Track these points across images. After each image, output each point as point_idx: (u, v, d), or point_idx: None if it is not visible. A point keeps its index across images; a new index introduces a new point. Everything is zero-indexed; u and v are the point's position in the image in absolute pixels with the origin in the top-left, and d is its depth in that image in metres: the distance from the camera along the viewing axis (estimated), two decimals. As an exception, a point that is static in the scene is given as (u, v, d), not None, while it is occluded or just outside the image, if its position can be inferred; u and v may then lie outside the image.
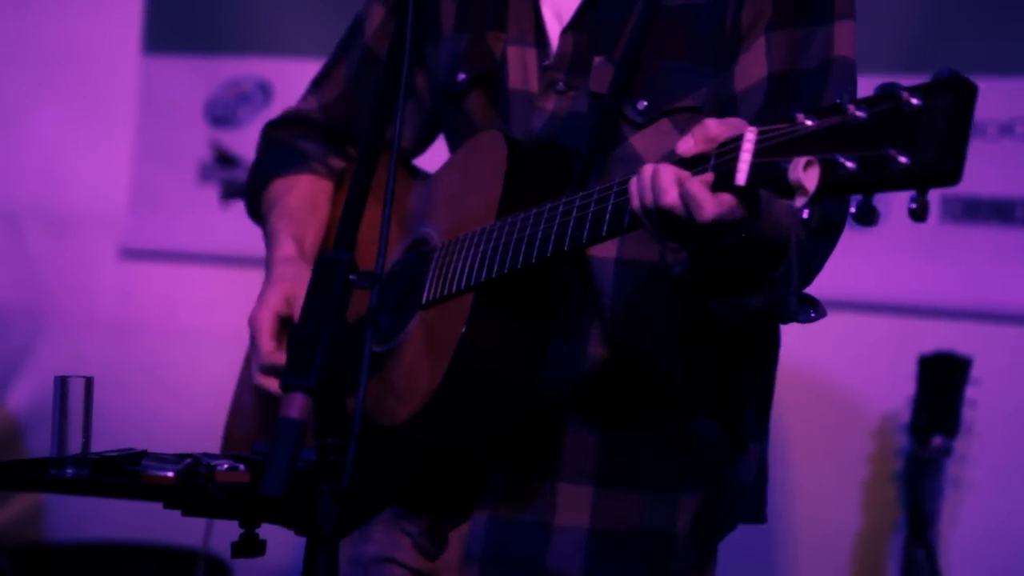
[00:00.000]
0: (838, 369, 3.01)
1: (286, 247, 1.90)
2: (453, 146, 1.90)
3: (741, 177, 1.35)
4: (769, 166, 1.33)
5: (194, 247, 3.51)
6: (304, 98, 2.08)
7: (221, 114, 3.53)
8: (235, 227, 3.19)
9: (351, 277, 1.39)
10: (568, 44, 1.76)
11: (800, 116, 1.31)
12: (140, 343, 3.56)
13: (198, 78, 3.54)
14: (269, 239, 1.95)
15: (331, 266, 1.40)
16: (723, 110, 1.69)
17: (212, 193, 3.52)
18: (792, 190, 1.30)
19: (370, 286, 1.39)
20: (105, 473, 1.53)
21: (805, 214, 1.29)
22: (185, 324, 3.51)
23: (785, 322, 1.67)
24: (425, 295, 1.72)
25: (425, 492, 1.81)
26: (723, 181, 1.37)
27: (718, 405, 1.76)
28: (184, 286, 3.52)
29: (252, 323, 1.81)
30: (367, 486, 1.41)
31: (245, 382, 1.99)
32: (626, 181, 1.49)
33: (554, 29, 1.80)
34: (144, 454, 1.55)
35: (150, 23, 3.59)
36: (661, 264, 1.64)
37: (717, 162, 1.39)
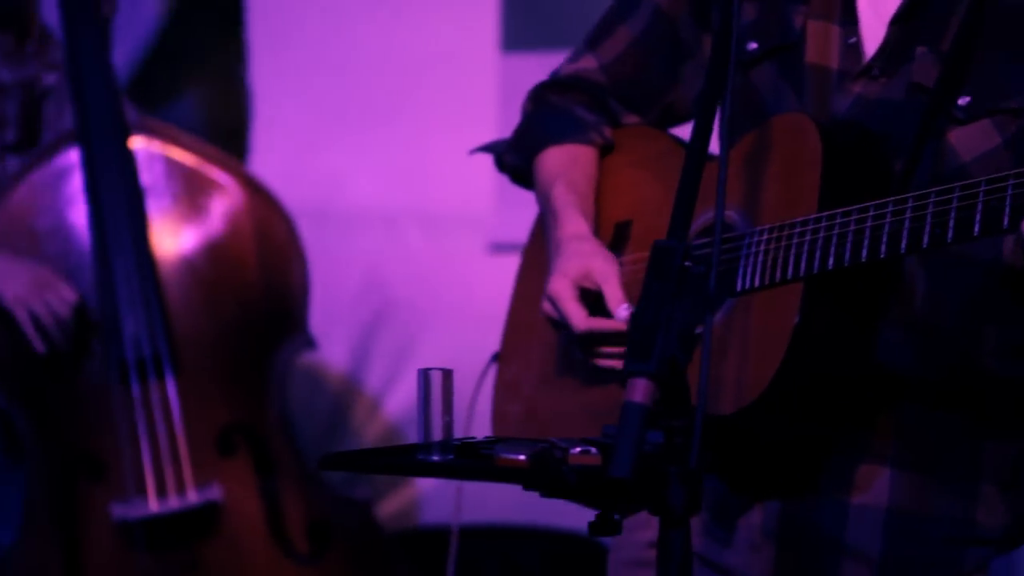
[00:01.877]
0: None
1: (577, 224, 1.89)
2: (733, 118, 1.80)
3: None
4: None
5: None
6: (577, 56, 2.04)
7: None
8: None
9: (686, 264, 1.42)
10: (892, 34, 1.72)
11: None
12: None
13: (556, 74, 3.62)
14: (554, 211, 1.93)
15: (667, 253, 1.43)
16: None
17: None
18: None
19: (705, 272, 1.42)
20: (467, 457, 1.61)
21: None
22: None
23: None
24: (740, 282, 1.71)
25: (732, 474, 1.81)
26: None
27: None
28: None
29: (553, 294, 1.82)
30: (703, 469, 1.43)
31: (513, 357, 2.01)
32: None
33: (865, 10, 1.76)
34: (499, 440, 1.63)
35: (507, 22, 3.69)
36: (1003, 259, 1.60)
37: None
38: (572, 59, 2.04)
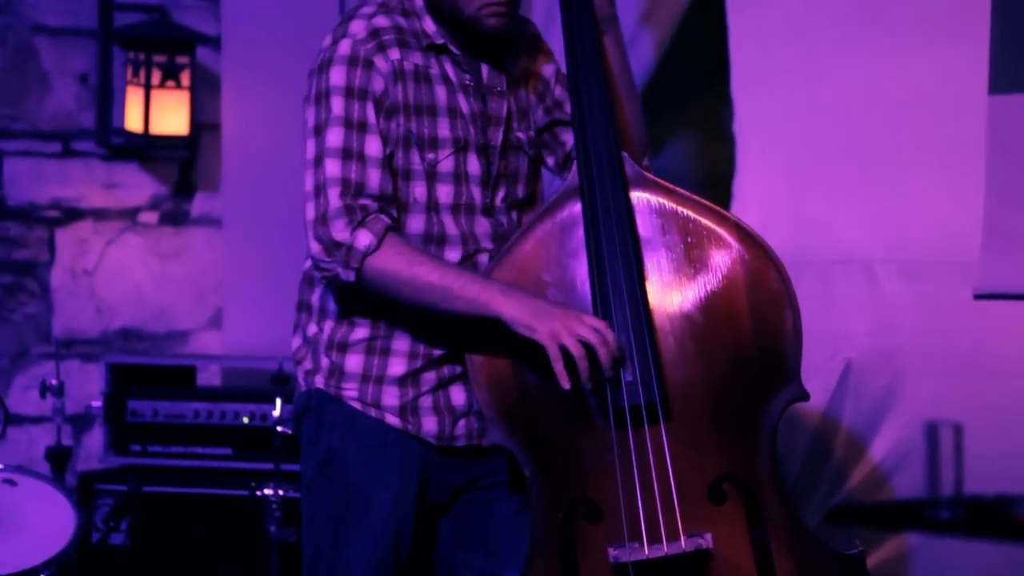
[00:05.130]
0: None
1: None
2: None
3: None
4: None
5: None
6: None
7: None
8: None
9: None
10: None
11: None
12: (997, 385, 3.55)
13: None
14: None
15: None
16: None
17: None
18: None
19: None
20: (979, 515, 1.57)
21: None
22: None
23: None
24: None
25: None
26: None
27: None
28: None
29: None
30: None
31: None
32: None
33: None
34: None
35: (996, 64, 3.58)
36: None
37: None
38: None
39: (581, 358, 2.52)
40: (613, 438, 2.60)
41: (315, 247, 2.66)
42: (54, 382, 3.91)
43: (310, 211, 2.67)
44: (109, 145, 4.69)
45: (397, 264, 2.62)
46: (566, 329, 2.53)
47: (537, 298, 2.60)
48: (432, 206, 2.73)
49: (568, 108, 2.82)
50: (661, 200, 2.67)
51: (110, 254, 4.74)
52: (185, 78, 4.57)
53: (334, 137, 2.66)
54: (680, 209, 2.66)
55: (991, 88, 3.59)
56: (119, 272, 4.74)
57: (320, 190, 2.66)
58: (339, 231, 2.63)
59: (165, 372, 4.41)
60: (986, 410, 3.47)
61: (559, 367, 2.53)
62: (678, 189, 2.68)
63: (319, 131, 2.68)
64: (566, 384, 2.53)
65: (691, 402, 2.62)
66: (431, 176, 2.72)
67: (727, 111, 3.94)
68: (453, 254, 2.75)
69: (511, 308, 2.56)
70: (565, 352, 2.52)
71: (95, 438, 4.64)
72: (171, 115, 4.57)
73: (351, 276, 2.64)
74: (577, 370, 2.53)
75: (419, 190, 2.72)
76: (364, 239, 2.62)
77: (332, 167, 2.65)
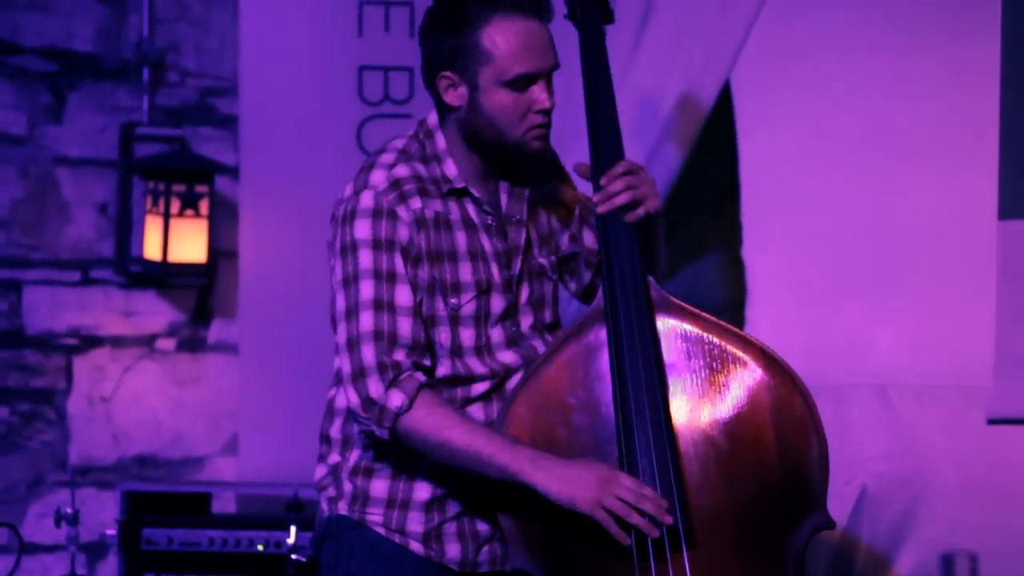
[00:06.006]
0: None
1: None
2: None
3: None
4: None
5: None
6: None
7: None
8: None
9: None
10: None
11: None
12: (1012, 512, 3.54)
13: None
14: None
15: None
16: None
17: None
18: None
19: None
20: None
21: None
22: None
23: None
24: None
25: None
26: None
27: None
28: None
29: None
30: None
31: None
32: None
33: None
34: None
35: (1005, 189, 3.62)
36: None
37: None
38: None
39: (630, 514, 2.55)
40: (635, 566, 2.59)
41: (353, 400, 2.68)
42: (69, 510, 3.90)
43: (345, 365, 2.69)
44: (127, 273, 4.72)
45: (427, 426, 2.64)
46: (607, 494, 2.55)
47: (566, 462, 2.60)
48: (456, 350, 2.75)
49: (588, 240, 2.86)
50: (686, 325, 2.69)
51: (127, 381, 4.76)
52: (204, 207, 4.62)
53: (365, 290, 2.68)
54: (705, 334, 2.68)
55: (1001, 213, 3.63)
56: (136, 399, 4.76)
57: (354, 344, 2.67)
58: (374, 388, 2.65)
59: (180, 499, 4.40)
60: (1001, 537, 3.46)
61: (614, 529, 2.55)
62: (703, 314, 2.70)
63: (348, 283, 2.70)
64: (626, 541, 2.56)
65: (715, 529, 2.61)
66: (454, 320, 2.74)
67: (738, 239, 3.98)
68: (481, 387, 2.77)
69: (543, 479, 2.58)
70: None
71: (110, 566, 4.61)
72: (189, 243, 4.61)
73: (385, 434, 2.67)
74: (629, 523, 2.55)
75: (444, 335, 2.74)
76: (396, 399, 2.64)
77: (364, 320, 2.67)
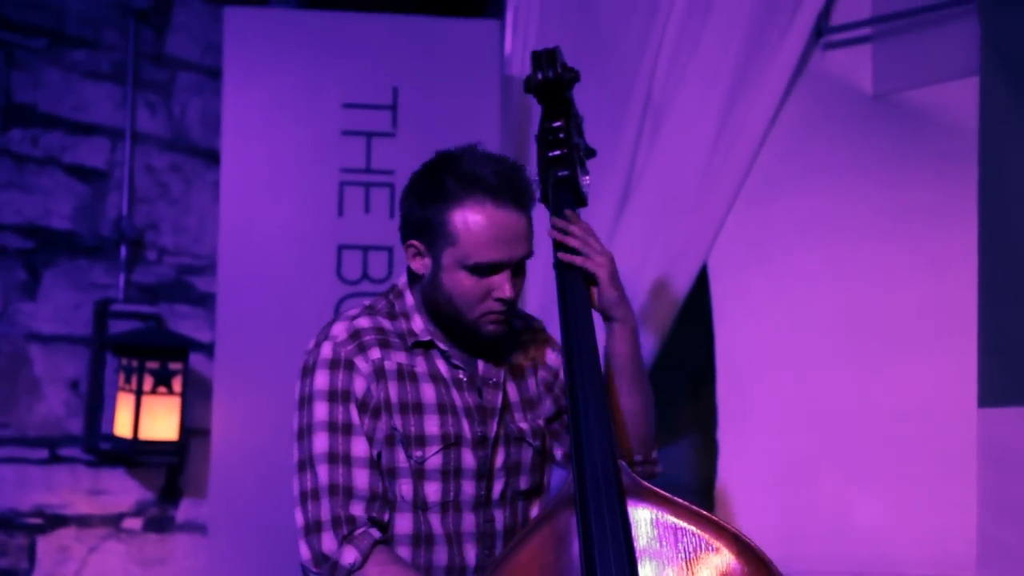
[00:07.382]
0: None
1: None
2: None
3: None
4: None
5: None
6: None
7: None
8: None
9: None
10: None
11: None
12: None
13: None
14: None
15: None
16: None
17: None
18: None
19: None
20: None
21: None
22: None
23: None
24: None
25: None
26: None
27: None
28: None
29: None
30: None
31: None
32: None
33: None
34: None
35: (984, 377, 3.60)
36: None
37: None
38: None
39: None
40: None
41: (305, 555, 2.64)
42: None
43: (299, 518, 2.67)
44: (96, 451, 4.66)
45: None
46: None
47: None
48: (419, 504, 2.72)
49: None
50: (657, 511, 2.64)
51: (92, 561, 4.66)
52: (177, 384, 4.59)
53: (319, 442, 2.67)
54: (678, 521, 2.63)
55: (980, 401, 3.60)
56: (100, 580, 4.66)
57: (306, 497, 2.66)
58: (327, 544, 2.62)
59: None
60: None
61: None
62: (675, 498, 2.65)
63: (303, 435, 2.70)
64: None
65: None
66: (419, 474, 2.72)
67: (713, 423, 3.95)
68: (440, 557, 2.73)
69: None
70: None
71: None
72: (161, 421, 4.56)
73: None
74: None
75: (405, 488, 2.72)
76: (350, 556, 2.61)
77: (320, 474, 2.66)
